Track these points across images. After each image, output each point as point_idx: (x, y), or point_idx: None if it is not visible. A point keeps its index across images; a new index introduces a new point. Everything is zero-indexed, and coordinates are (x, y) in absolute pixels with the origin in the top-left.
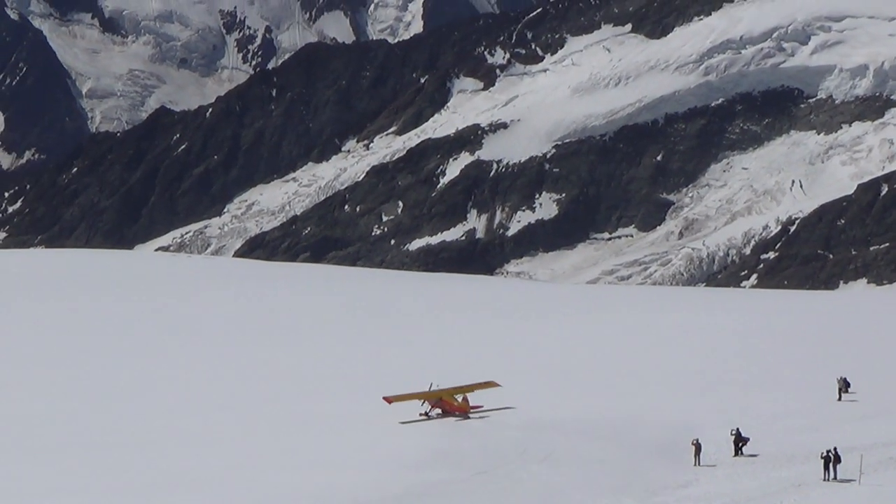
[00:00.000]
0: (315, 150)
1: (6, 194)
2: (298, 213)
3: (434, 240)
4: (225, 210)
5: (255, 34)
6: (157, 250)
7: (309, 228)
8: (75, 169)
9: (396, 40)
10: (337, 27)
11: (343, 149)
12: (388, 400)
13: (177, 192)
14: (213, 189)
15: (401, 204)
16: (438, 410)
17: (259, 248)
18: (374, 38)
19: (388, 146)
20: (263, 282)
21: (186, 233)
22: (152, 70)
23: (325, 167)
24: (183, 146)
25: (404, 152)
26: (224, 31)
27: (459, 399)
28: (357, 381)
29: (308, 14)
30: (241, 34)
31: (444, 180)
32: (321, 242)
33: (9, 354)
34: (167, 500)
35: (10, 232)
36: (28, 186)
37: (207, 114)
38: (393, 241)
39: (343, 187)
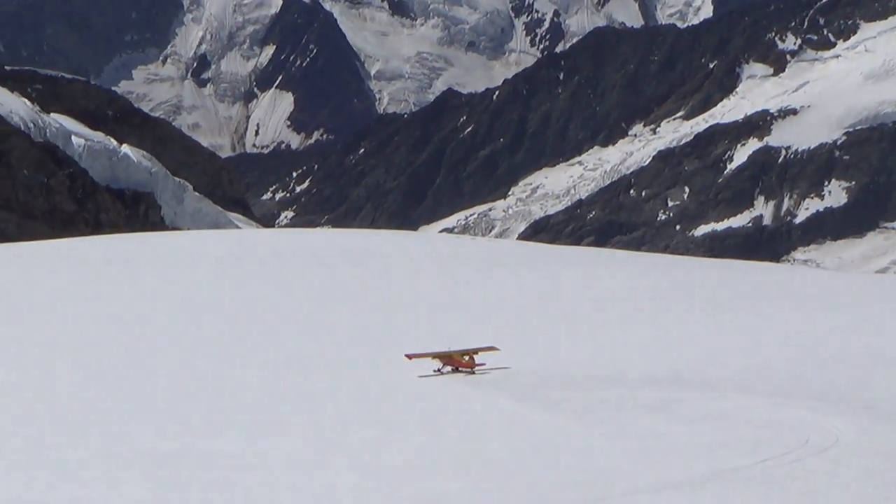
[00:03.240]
0: (601, 134)
1: (294, 174)
2: (583, 197)
3: (720, 226)
4: (510, 193)
5: (544, 18)
6: (441, 232)
7: (594, 212)
8: (362, 150)
9: (686, 25)
10: (626, 12)
11: (629, 133)
12: (409, 357)
13: (462, 175)
14: (499, 172)
15: (687, 189)
16: (449, 368)
17: (543, 231)
18: (663, 23)
19: (676, 131)
20: (546, 265)
21: (471, 215)
22: (440, 53)
23: (612, 151)
24: (469, 129)
25: (691, 137)
26: (512, 15)
27: (466, 359)
28: (635, 369)
29: None
30: (529, 18)
31: (731, 166)
32: (606, 227)
33: (286, 330)
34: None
35: (298, 211)
36: (316, 167)
37: (494, 97)
38: (678, 227)
39: (629, 172)
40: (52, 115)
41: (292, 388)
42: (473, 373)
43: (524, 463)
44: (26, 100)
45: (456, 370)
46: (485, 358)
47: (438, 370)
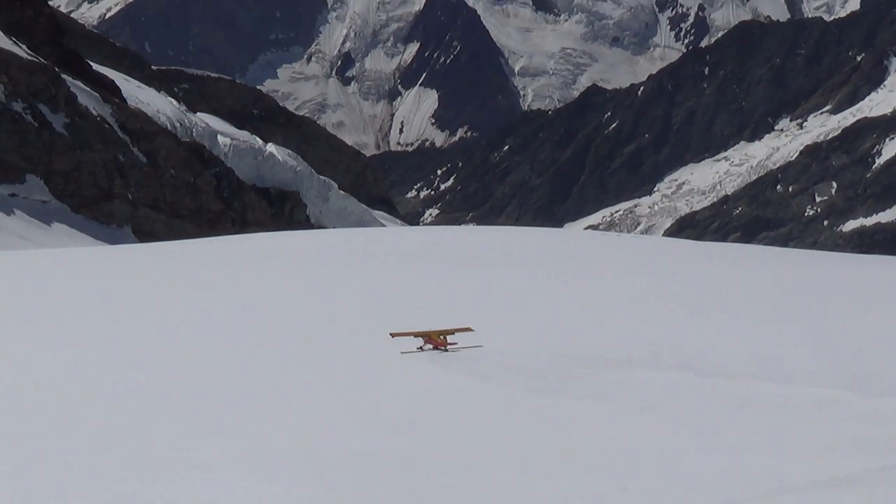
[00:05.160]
0: (747, 129)
1: (439, 171)
2: (729, 193)
3: (868, 221)
4: (655, 189)
5: (689, 12)
6: (586, 229)
7: (740, 208)
8: (507, 147)
9: (832, 17)
10: (771, 4)
11: (776, 128)
12: (393, 335)
13: (607, 171)
14: (644, 167)
15: (834, 184)
16: (430, 346)
17: (689, 227)
18: (810, 16)
19: (823, 125)
20: (692, 261)
21: (616, 211)
22: (584, 48)
23: (758, 146)
24: (614, 124)
25: (839, 131)
26: (657, 10)
27: (441, 338)
28: (780, 365)
29: None
30: (673, 12)
31: (879, 160)
32: (752, 223)
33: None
34: None
35: (442, 209)
36: (460, 164)
37: (639, 92)
38: (826, 222)
39: (775, 167)
40: (198, 114)
41: (418, 385)
42: (447, 350)
43: (640, 462)
44: (173, 99)
45: (435, 348)
46: (460, 338)
47: (420, 347)
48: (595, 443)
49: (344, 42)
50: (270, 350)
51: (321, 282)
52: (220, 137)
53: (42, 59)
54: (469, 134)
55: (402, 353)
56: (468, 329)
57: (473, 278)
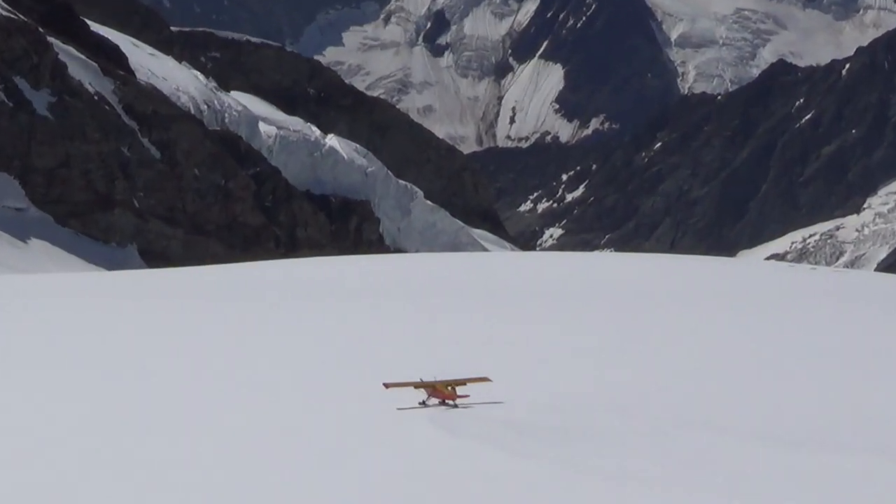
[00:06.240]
0: None
1: (564, 177)
2: None
3: None
4: (865, 205)
5: None
6: (768, 258)
7: None
8: (659, 144)
9: None
10: None
11: None
12: (387, 385)
13: (798, 180)
14: (850, 176)
15: None
16: (435, 400)
17: None
18: None
19: None
20: None
21: (811, 235)
22: (768, 10)
23: None
24: (808, 116)
25: None
26: None
27: (448, 389)
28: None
29: None
30: None
31: None
32: None
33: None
34: None
35: (568, 227)
36: (594, 167)
37: (843, 71)
38: None
39: None
40: (232, 93)
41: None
42: (456, 406)
43: None
44: (198, 73)
45: (442, 402)
46: (474, 390)
47: (423, 402)
48: None
49: None
50: (295, 397)
51: (393, 320)
52: (261, 125)
53: (22, 17)
54: (606, 126)
55: (399, 409)
56: (485, 379)
57: (600, 321)
